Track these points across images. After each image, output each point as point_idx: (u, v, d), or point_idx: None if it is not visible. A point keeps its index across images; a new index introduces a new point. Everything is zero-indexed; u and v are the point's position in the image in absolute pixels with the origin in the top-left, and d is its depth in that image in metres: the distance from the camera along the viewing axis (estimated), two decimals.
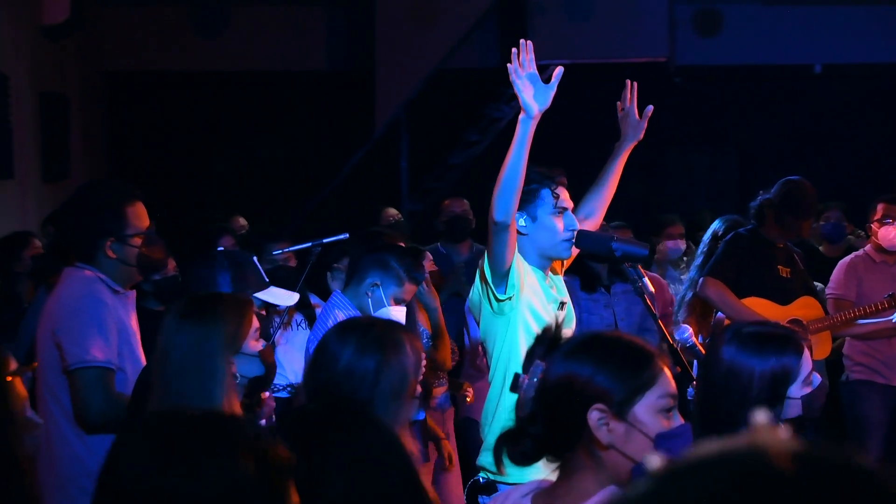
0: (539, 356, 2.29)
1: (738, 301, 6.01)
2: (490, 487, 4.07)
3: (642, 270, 4.13)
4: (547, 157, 4.34)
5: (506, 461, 2.30)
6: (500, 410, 4.18)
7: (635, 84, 4.54)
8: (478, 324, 4.31)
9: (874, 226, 6.69)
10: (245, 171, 13.15)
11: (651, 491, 1.01)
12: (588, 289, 6.32)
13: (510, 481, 4.02)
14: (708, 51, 13.37)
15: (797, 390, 2.77)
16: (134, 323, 4.13)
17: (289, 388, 5.68)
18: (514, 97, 3.95)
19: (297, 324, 5.94)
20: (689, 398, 3.58)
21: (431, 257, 5.98)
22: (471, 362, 6.27)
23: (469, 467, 5.14)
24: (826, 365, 6.54)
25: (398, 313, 4.55)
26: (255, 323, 3.26)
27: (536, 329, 4.13)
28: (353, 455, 2.16)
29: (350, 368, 2.85)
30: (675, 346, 3.98)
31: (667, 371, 2.27)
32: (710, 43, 13.35)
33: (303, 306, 5.97)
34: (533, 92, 3.90)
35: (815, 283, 6.65)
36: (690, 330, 4.23)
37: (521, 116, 3.91)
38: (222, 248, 4.29)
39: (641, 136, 4.53)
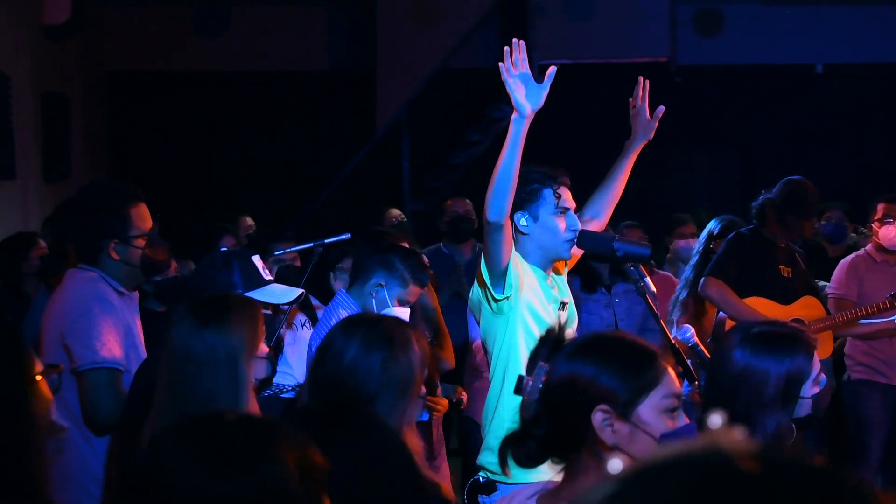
0: (542, 358, 2.29)
1: (740, 301, 6.01)
2: (490, 487, 4.07)
3: (643, 269, 4.13)
4: (548, 157, 4.34)
5: (510, 463, 2.30)
6: (500, 410, 4.18)
7: (647, 82, 4.53)
8: (478, 323, 4.32)
9: (875, 225, 6.69)
10: (246, 171, 13.16)
11: (614, 494, 1.01)
12: (588, 289, 6.33)
13: (510, 481, 4.03)
14: (709, 51, 13.37)
15: (808, 390, 2.81)
16: (137, 324, 4.14)
17: (297, 389, 5.67)
18: None
19: (300, 324, 5.94)
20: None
21: (426, 258, 5.99)
22: (470, 362, 6.27)
23: (469, 467, 5.15)
24: (828, 365, 6.55)
25: (402, 314, 4.54)
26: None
27: (536, 329, 4.13)
28: (355, 455, 2.16)
29: (356, 363, 2.82)
30: (677, 345, 3.98)
31: (670, 371, 2.27)
32: (711, 43, 13.36)
33: (305, 306, 5.97)
34: (525, 92, 3.90)
35: (820, 283, 6.66)
36: (692, 330, 4.22)
37: (513, 116, 3.90)
38: (225, 249, 4.27)
39: (651, 135, 4.53)
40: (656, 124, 4.51)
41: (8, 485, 2.03)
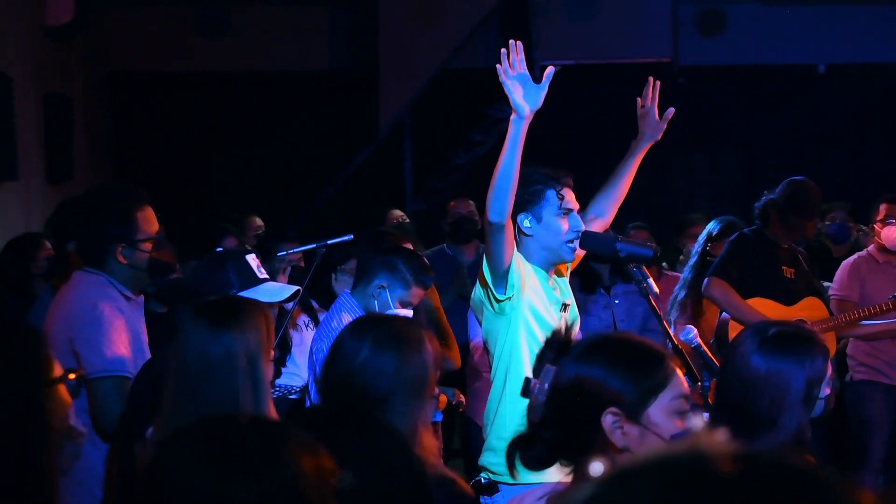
0: (549, 360, 2.29)
1: (744, 302, 6.01)
2: (491, 488, 4.07)
3: (647, 270, 4.12)
4: (550, 158, 4.34)
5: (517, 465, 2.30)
6: (501, 410, 4.18)
7: (658, 83, 4.52)
8: (479, 324, 4.32)
9: (877, 226, 6.69)
10: (248, 171, 13.15)
11: (594, 495, 1.02)
12: (587, 290, 6.33)
13: (513, 482, 4.03)
14: (711, 51, 13.36)
15: (822, 390, 2.86)
16: (143, 328, 4.14)
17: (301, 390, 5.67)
18: None
19: (304, 325, 5.94)
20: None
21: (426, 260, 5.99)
22: (469, 362, 6.28)
23: (472, 467, 5.14)
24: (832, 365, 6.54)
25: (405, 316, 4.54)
26: None
27: (538, 330, 4.14)
28: (358, 456, 2.16)
29: (369, 364, 2.80)
30: (679, 346, 3.97)
31: (679, 372, 2.27)
32: (714, 43, 13.35)
33: (306, 308, 5.97)
34: (523, 92, 3.91)
35: (825, 283, 6.66)
36: (695, 331, 4.22)
37: (512, 117, 3.91)
38: (221, 249, 4.26)
39: (659, 137, 4.53)
40: (665, 126, 4.50)
41: (15, 487, 2.02)
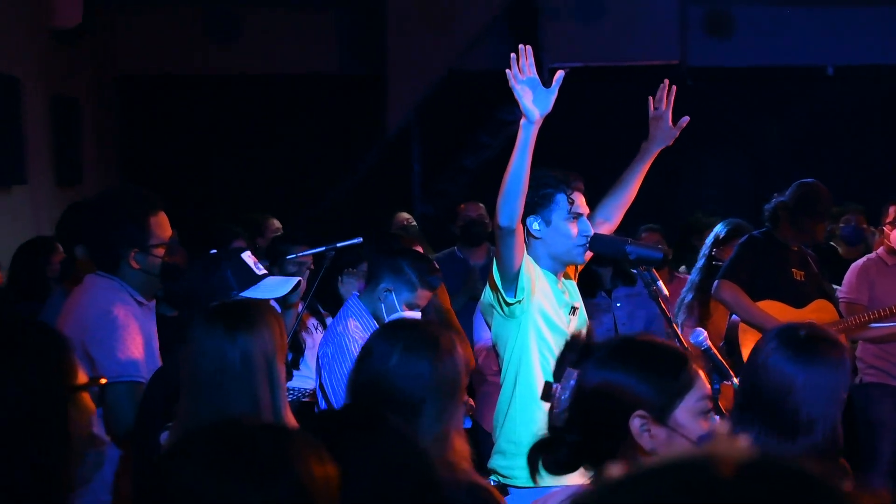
0: (570, 363, 2.29)
1: (753, 304, 6.00)
2: (500, 491, 4.07)
3: (655, 273, 4.12)
4: (558, 160, 4.34)
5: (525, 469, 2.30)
6: (511, 413, 4.18)
7: (674, 87, 4.51)
8: (489, 326, 4.32)
9: (886, 228, 6.67)
10: (257, 174, 13.16)
11: (595, 498, 1.05)
12: (588, 293, 6.33)
13: (519, 484, 4.03)
14: (719, 53, 13.35)
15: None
16: (154, 334, 4.15)
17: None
18: None
19: (314, 327, 5.93)
20: None
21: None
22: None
23: (481, 470, 5.12)
24: None
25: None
26: None
27: (548, 333, 4.14)
28: (370, 460, 2.15)
29: (400, 369, 2.78)
30: (690, 349, 3.97)
31: (702, 374, 2.28)
32: (722, 45, 13.33)
33: (313, 311, 5.97)
34: (532, 97, 3.91)
35: (834, 286, 6.65)
36: (705, 333, 4.22)
37: (522, 122, 3.92)
38: (214, 251, 4.24)
39: (671, 142, 4.52)
40: (678, 133, 4.49)
41: (28, 495, 2.01)
